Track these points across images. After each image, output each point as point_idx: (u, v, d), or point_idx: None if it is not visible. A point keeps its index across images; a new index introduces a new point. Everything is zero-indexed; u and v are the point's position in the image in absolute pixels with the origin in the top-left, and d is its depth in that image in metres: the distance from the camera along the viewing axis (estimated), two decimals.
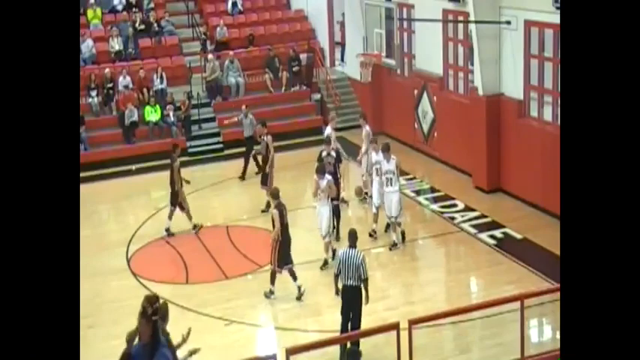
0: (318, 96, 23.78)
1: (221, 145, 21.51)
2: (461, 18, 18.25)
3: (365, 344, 10.97)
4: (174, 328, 12.40)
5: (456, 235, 15.60)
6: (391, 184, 14.56)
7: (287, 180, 18.06)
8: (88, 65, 22.82)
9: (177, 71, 23.44)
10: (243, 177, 19.11)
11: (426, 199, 17.71)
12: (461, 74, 19.11)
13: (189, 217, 15.94)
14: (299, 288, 12.99)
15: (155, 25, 24.45)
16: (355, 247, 11.06)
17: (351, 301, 10.92)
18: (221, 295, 13.32)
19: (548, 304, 11.29)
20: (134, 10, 25.05)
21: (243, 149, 19.29)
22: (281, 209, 12.82)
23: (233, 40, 24.64)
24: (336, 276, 11.08)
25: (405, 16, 20.59)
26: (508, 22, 16.40)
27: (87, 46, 23.17)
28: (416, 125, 20.77)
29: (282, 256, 12.86)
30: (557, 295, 8.28)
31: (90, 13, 24.59)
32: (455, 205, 16.93)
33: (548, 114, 16.00)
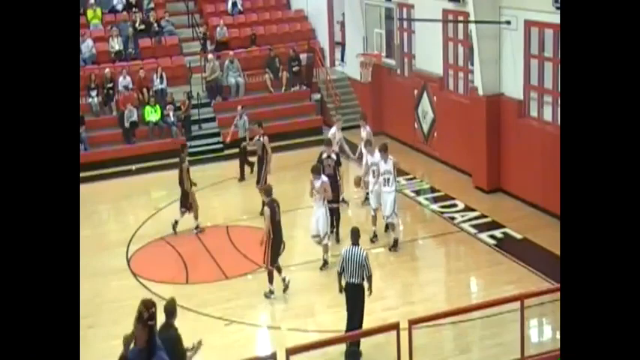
0: (318, 96, 23.78)
1: (221, 145, 21.51)
2: (461, 18, 18.25)
3: (365, 344, 11.00)
4: None
5: (456, 235, 15.60)
6: (388, 185, 14.53)
7: (287, 180, 18.08)
8: (88, 65, 22.82)
9: (177, 71, 23.44)
10: (242, 178, 19.10)
11: (426, 199, 17.71)
12: (461, 74, 19.11)
13: (196, 217, 15.94)
14: (283, 280, 13.13)
15: (155, 25, 24.45)
16: (358, 244, 11.13)
17: (354, 298, 10.99)
18: (221, 295, 13.33)
19: (548, 304, 11.29)
20: (134, 10, 25.04)
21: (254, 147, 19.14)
22: (273, 206, 12.83)
23: (233, 40, 24.64)
24: (340, 274, 11.12)
25: (405, 16, 20.59)
26: (508, 22, 16.41)
27: (87, 46, 23.17)
28: (416, 125, 20.77)
29: (275, 254, 12.91)
30: (557, 295, 8.28)
31: (90, 13, 24.59)
32: (455, 205, 16.93)
33: (548, 114, 16.00)
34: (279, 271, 13.14)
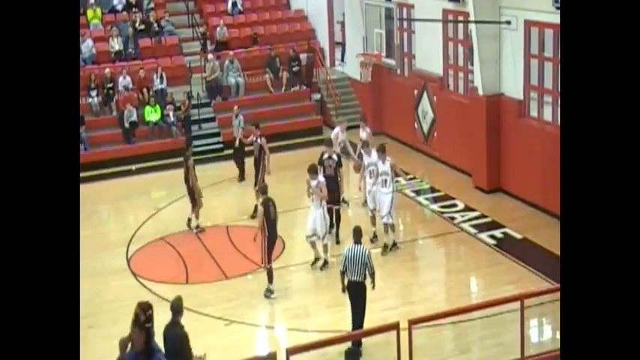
0: (318, 96, 23.78)
1: (221, 145, 21.50)
2: (461, 18, 18.25)
3: (365, 344, 11.00)
4: None
5: (456, 235, 15.60)
6: (385, 186, 14.48)
7: (287, 180, 18.07)
8: (88, 65, 22.82)
9: (177, 71, 23.44)
10: (242, 177, 19.08)
11: (426, 199, 17.71)
12: (461, 74, 19.11)
13: (197, 216, 15.95)
14: (270, 290, 13.14)
15: (155, 25, 24.45)
16: (360, 243, 11.20)
17: (356, 296, 11.05)
18: (221, 295, 13.32)
19: (548, 304, 11.29)
20: (134, 10, 25.04)
21: (250, 148, 19.09)
22: (268, 205, 12.87)
23: (233, 40, 24.64)
24: (342, 273, 11.18)
25: (405, 16, 20.59)
26: (508, 22, 16.40)
27: (87, 46, 23.17)
28: (416, 125, 20.77)
29: (270, 252, 12.96)
30: (557, 295, 8.28)
31: (90, 13, 24.59)
32: (455, 205, 16.93)
33: (548, 114, 16.00)
34: (270, 280, 13.16)
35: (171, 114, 21.47)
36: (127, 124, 21.17)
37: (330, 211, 15.05)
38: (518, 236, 15.06)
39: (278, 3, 26.96)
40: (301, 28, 25.78)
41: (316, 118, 23.20)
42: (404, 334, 9.30)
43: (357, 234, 11.32)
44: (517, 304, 9.92)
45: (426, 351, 10.53)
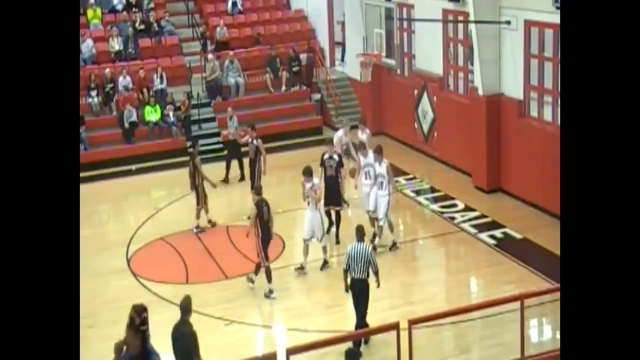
0: (318, 96, 23.78)
1: (221, 145, 21.51)
2: (461, 18, 18.25)
3: (364, 344, 11.00)
4: None
5: (456, 235, 15.60)
6: (382, 188, 14.42)
7: (287, 180, 18.08)
8: (88, 65, 22.82)
9: (177, 71, 23.45)
10: (242, 177, 19.07)
11: (426, 199, 17.71)
12: (461, 74, 19.11)
13: (197, 216, 15.97)
14: (251, 280, 13.25)
15: (155, 25, 24.45)
16: (363, 241, 11.24)
17: (360, 294, 11.10)
18: (221, 295, 13.32)
19: (548, 304, 11.29)
20: (134, 10, 25.04)
21: (246, 149, 19.10)
22: (261, 206, 12.92)
23: (233, 40, 24.64)
24: (345, 271, 11.21)
25: (405, 16, 20.59)
26: (508, 22, 16.40)
27: (87, 46, 23.17)
28: (416, 125, 20.77)
29: (265, 252, 12.99)
30: (557, 295, 8.28)
31: (90, 13, 24.59)
32: (455, 205, 16.93)
33: (548, 114, 16.00)
34: (257, 272, 13.20)
35: (171, 114, 21.47)
36: (127, 124, 21.17)
37: (328, 212, 15.05)
38: (518, 236, 15.06)
39: (278, 3, 26.96)
40: (301, 28, 25.78)
41: (316, 118, 23.20)
42: (404, 334, 9.30)
43: (360, 232, 11.36)
44: (517, 304, 9.92)
45: (426, 351, 10.53)
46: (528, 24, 16.01)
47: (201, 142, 21.36)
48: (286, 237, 15.23)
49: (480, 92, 17.14)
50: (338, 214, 15.11)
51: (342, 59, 25.53)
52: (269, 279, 13.04)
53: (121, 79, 22.19)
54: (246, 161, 18.15)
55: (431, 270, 14.56)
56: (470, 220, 16.05)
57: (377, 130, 21.82)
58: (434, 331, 11.10)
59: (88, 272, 13.55)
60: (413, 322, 9.48)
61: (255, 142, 16.93)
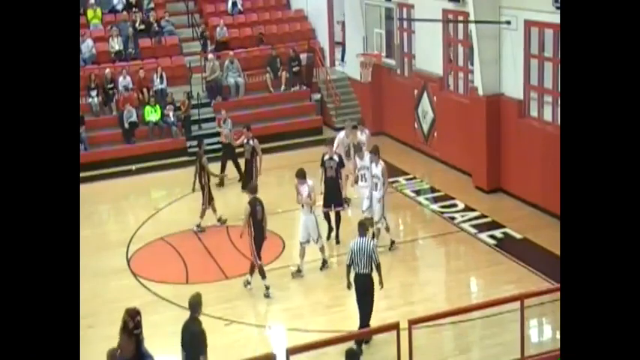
0: (318, 96, 23.77)
1: (221, 145, 21.49)
2: (461, 18, 18.25)
3: (365, 344, 11.00)
4: (174, 329, 12.40)
5: (456, 235, 15.60)
6: (376, 189, 14.37)
7: (286, 180, 18.04)
8: (88, 65, 22.81)
9: (177, 71, 23.44)
10: (241, 177, 19.02)
11: (426, 199, 17.71)
12: (461, 74, 19.11)
13: (202, 215, 15.98)
14: (248, 282, 13.29)
15: (155, 25, 24.45)
16: (365, 236, 11.25)
17: (364, 289, 11.11)
18: (221, 295, 13.32)
19: (548, 304, 11.28)
20: (134, 10, 25.03)
21: (241, 149, 19.07)
22: (255, 205, 12.97)
23: (233, 40, 24.64)
24: (349, 266, 11.22)
25: (405, 16, 20.59)
26: (508, 22, 16.40)
27: (87, 46, 23.17)
28: (416, 125, 20.76)
29: (258, 250, 13.04)
30: (557, 295, 8.28)
31: (90, 13, 24.59)
32: (455, 205, 16.92)
33: (548, 114, 16.00)
34: (251, 272, 13.22)
35: (171, 114, 21.47)
36: (127, 124, 21.17)
37: (327, 215, 15.01)
38: (518, 236, 15.05)
39: (278, 3, 26.95)
40: (301, 28, 25.78)
41: (316, 118, 23.19)
42: (404, 334, 9.30)
43: (363, 227, 11.38)
44: (517, 304, 9.92)
45: (426, 351, 10.53)
46: (528, 24, 16.01)
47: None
48: (286, 237, 15.23)
49: (480, 92, 17.14)
50: (338, 214, 15.10)
51: (342, 59, 25.52)
52: (263, 276, 13.08)
53: (121, 79, 22.19)
54: (242, 162, 18.09)
55: (431, 270, 14.56)
56: (470, 220, 16.05)
57: (377, 130, 21.82)
58: (434, 331, 11.09)
59: (88, 272, 13.54)
60: (413, 322, 9.48)
61: (251, 142, 16.88)
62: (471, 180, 17.96)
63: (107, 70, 22.03)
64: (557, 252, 12.12)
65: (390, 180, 18.11)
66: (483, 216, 16.17)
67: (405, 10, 20.52)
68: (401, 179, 18.71)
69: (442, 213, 16.65)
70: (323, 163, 15.07)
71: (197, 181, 16.05)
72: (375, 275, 11.19)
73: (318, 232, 13.79)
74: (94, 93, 21.66)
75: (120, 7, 25.39)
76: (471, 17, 16.79)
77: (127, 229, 16.66)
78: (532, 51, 16.16)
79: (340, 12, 24.73)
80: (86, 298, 11.71)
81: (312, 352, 9.25)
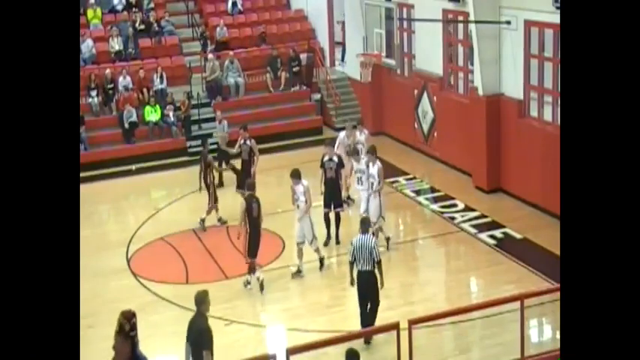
0: (318, 96, 23.78)
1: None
2: (461, 18, 18.25)
3: (364, 345, 11.00)
4: (174, 329, 12.43)
5: (456, 235, 15.60)
6: (371, 189, 14.33)
7: (286, 180, 17.89)
8: (88, 65, 22.82)
9: (177, 71, 23.45)
10: (238, 179, 18.90)
11: (426, 199, 17.71)
12: (461, 74, 19.11)
13: (208, 212, 16.02)
14: (248, 282, 13.35)
15: (155, 25, 24.45)
16: (367, 232, 11.30)
17: (367, 285, 11.16)
18: (221, 295, 13.30)
19: (548, 304, 11.28)
20: (134, 10, 25.04)
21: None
22: (251, 202, 13.04)
23: (233, 40, 24.64)
24: (351, 263, 11.28)
25: (405, 16, 20.59)
26: (508, 22, 16.40)
27: (87, 46, 23.17)
28: (416, 125, 20.76)
29: (251, 248, 13.12)
30: (557, 295, 8.28)
31: (90, 13, 24.59)
32: (455, 205, 16.92)
33: (548, 114, 16.00)
34: (254, 270, 13.28)
35: (171, 114, 21.47)
36: (127, 124, 21.17)
37: (327, 217, 14.98)
38: (518, 236, 15.05)
39: (278, 3, 26.96)
40: (301, 28, 25.78)
41: (316, 118, 23.20)
42: (404, 334, 9.30)
43: (365, 224, 11.44)
44: (517, 304, 9.91)
45: (426, 351, 10.53)
46: (528, 24, 16.01)
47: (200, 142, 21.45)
48: (286, 237, 15.22)
49: (480, 92, 17.13)
50: (338, 215, 15.09)
51: (342, 59, 25.52)
52: (249, 271, 13.25)
53: (121, 79, 22.19)
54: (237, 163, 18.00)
55: (431, 270, 14.56)
56: (470, 220, 16.05)
57: (377, 130, 21.83)
58: (434, 331, 11.09)
59: (88, 272, 13.54)
60: (413, 322, 9.47)
61: (248, 142, 16.76)
62: (471, 180, 17.96)
63: (107, 71, 22.03)
64: (557, 252, 12.13)
65: (390, 180, 18.19)
66: (483, 216, 16.17)
67: (405, 10, 20.52)
68: (401, 179, 18.71)
69: (442, 213, 16.65)
70: (323, 165, 15.07)
71: (202, 180, 16.07)
72: (377, 273, 11.23)
73: (313, 234, 13.75)
74: (94, 93, 21.67)
75: (120, 7, 25.40)
76: (471, 17, 16.79)
77: (127, 229, 16.66)
78: (532, 51, 16.16)
79: (340, 12, 24.74)
80: (86, 298, 11.71)
81: (312, 352, 9.25)
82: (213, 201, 16.07)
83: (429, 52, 19.79)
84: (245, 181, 16.22)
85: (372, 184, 14.33)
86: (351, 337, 10.52)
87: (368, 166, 14.41)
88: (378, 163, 14.36)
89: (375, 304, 11.25)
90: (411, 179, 18.77)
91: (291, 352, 8.79)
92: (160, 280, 14.04)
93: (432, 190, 18.22)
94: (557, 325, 11.10)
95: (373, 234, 14.58)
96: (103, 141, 21.22)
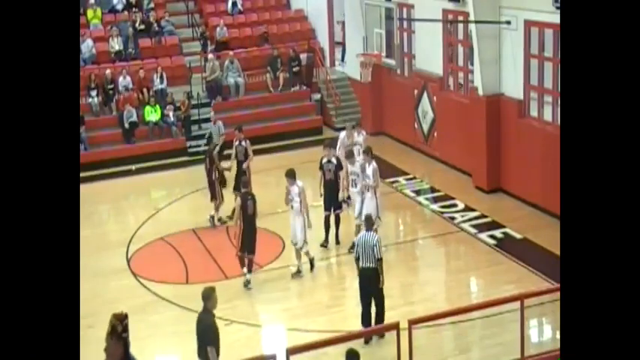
0: (318, 96, 23.78)
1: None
2: (461, 18, 18.25)
3: (364, 345, 11.00)
4: (174, 329, 12.45)
5: (456, 235, 15.60)
6: (367, 191, 14.28)
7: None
8: (88, 65, 22.82)
9: (177, 71, 23.45)
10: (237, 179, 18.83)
11: (426, 199, 17.71)
12: (461, 74, 19.11)
13: (216, 209, 16.07)
14: (248, 282, 13.47)
15: (155, 25, 24.46)
16: (371, 230, 11.44)
17: (369, 282, 11.28)
18: (221, 295, 13.22)
19: (548, 304, 11.29)
20: (134, 10, 25.05)
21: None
22: (246, 199, 13.13)
23: (233, 40, 24.65)
24: (357, 259, 11.44)
25: (405, 16, 20.59)
26: (508, 22, 16.41)
27: (87, 46, 23.18)
28: (416, 125, 20.77)
29: (244, 244, 13.22)
30: (557, 295, 8.28)
31: (90, 13, 24.60)
32: (455, 205, 16.92)
33: (548, 114, 16.00)
34: (250, 270, 13.40)
35: (171, 114, 21.48)
36: (127, 124, 21.18)
37: (327, 220, 14.96)
38: (518, 236, 15.06)
39: (278, 3, 26.96)
40: (301, 28, 25.78)
41: (316, 118, 23.20)
42: (404, 334, 9.30)
43: (369, 222, 11.62)
44: (517, 304, 9.92)
45: (426, 351, 10.53)
46: (528, 24, 16.01)
47: (200, 142, 21.46)
48: (286, 237, 15.20)
49: (480, 92, 17.14)
50: (338, 216, 15.07)
51: (342, 59, 25.53)
52: (242, 265, 13.38)
53: (121, 79, 22.20)
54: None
55: (431, 270, 14.56)
56: (470, 220, 16.05)
57: (377, 130, 21.85)
58: (434, 331, 11.10)
59: (88, 272, 13.54)
60: (413, 322, 9.48)
61: (243, 143, 16.58)
62: (471, 180, 17.97)
63: (108, 72, 22.03)
64: (557, 252, 12.13)
65: (390, 180, 18.21)
66: (483, 216, 16.18)
67: (405, 10, 20.52)
68: (401, 179, 18.71)
69: (442, 213, 16.65)
70: (321, 167, 15.01)
71: (207, 177, 16.08)
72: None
73: (304, 237, 13.69)
74: (94, 93, 21.68)
75: (120, 7, 25.41)
76: (471, 17, 16.79)
77: (127, 229, 16.67)
78: (532, 51, 16.16)
79: (340, 12, 24.74)
80: (86, 298, 11.71)
81: (312, 352, 9.25)
82: (221, 197, 16.07)
83: (428, 52, 19.79)
84: (239, 182, 16.24)
85: (368, 184, 14.23)
86: (351, 337, 10.53)
87: (364, 168, 14.32)
88: (374, 163, 14.28)
89: (380, 300, 11.36)
90: (411, 179, 18.78)
91: (291, 352, 8.79)
92: (159, 280, 14.04)
93: (432, 190, 18.22)
94: (557, 325, 11.10)
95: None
96: (103, 141, 21.23)
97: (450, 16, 18.69)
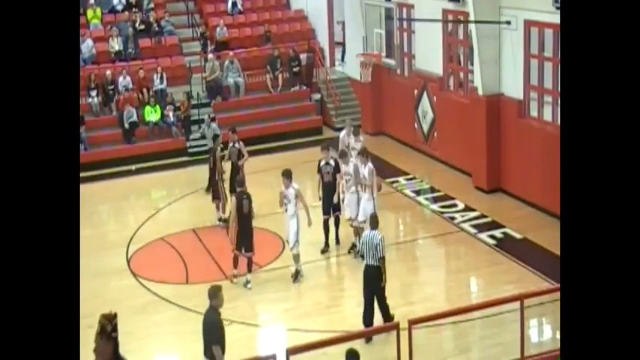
0: (318, 96, 23.78)
1: (221, 146, 21.47)
2: (461, 18, 18.25)
3: (365, 344, 11.00)
4: (174, 329, 12.46)
5: (456, 235, 15.60)
6: (364, 192, 14.14)
7: None
8: (88, 65, 22.83)
9: (177, 71, 23.45)
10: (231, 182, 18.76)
11: (426, 199, 17.71)
12: (461, 74, 19.11)
13: (223, 209, 16.05)
14: (247, 281, 13.49)
15: (155, 25, 24.46)
16: (376, 229, 11.56)
17: (372, 279, 11.42)
18: None
19: (548, 304, 11.28)
20: (134, 10, 25.05)
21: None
22: (241, 198, 13.20)
23: (233, 40, 24.65)
24: (362, 257, 11.71)
25: (405, 16, 20.60)
26: (508, 22, 16.41)
27: (87, 46, 23.18)
28: (416, 125, 20.77)
29: (240, 242, 13.31)
30: (557, 295, 8.29)
31: (90, 13, 24.60)
32: (455, 205, 16.92)
33: (548, 114, 16.00)
34: (249, 268, 13.46)
35: (171, 114, 21.48)
36: (127, 125, 21.18)
37: (326, 223, 14.94)
38: (518, 236, 15.06)
39: (278, 3, 26.96)
40: (301, 28, 25.79)
41: (316, 118, 23.20)
42: (404, 334, 9.30)
43: (374, 221, 11.77)
44: (517, 304, 9.92)
45: (426, 351, 10.53)
46: (528, 24, 16.01)
47: (200, 142, 21.47)
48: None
49: (480, 92, 17.14)
50: (337, 218, 15.04)
51: (342, 59, 25.54)
52: (235, 265, 13.45)
53: (121, 79, 22.20)
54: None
55: (431, 270, 14.56)
56: (470, 220, 16.05)
57: (377, 130, 21.86)
58: (434, 331, 11.10)
59: (88, 272, 13.54)
60: (413, 322, 9.48)
61: (237, 145, 16.51)
62: (471, 180, 17.97)
63: (108, 72, 22.04)
64: (557, 252, 12.13)
65: (390, 180, 18.21)
66: (483, 216, 16.17)
67: (405, 10, 20.52)
68: (401, 179, 18.71)
69: (442, 213, 16.65)
70: (320, 169, 14.92)
71: (211, 176, 16.09)
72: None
73: (296, 239, 13.66)
74: (94, 93, 21.68)
75: (120, 7, 25.41)
76: (471, 17, 16.79)
77: (127, 229, 16.67)
78: (532, 51, 16.16)
79: (340, 12, 24.75)
80: (86, 298, 11.68)
81: (312, 352, 9.25)
82: (225, 196, 16.07)
83: (428, 52, 19.80)
84: (235, 184, 16.22)
85: (364, 185, 14.17)
86: (351, 337, 10.53)
87: (357, 169, 14.22)
88: (370, 164, 14.16)
89: (381, 297, 11.45)
90: (411, 179, 18.77)
91: (291, 352, 8.79)
92: (159, 280, 14.04)
93: (432, 190, 18.22)
94: (557, 325, 11.10)
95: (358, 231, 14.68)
96: (103, 141, 21.23)
97: (450, 16, 18.69)
